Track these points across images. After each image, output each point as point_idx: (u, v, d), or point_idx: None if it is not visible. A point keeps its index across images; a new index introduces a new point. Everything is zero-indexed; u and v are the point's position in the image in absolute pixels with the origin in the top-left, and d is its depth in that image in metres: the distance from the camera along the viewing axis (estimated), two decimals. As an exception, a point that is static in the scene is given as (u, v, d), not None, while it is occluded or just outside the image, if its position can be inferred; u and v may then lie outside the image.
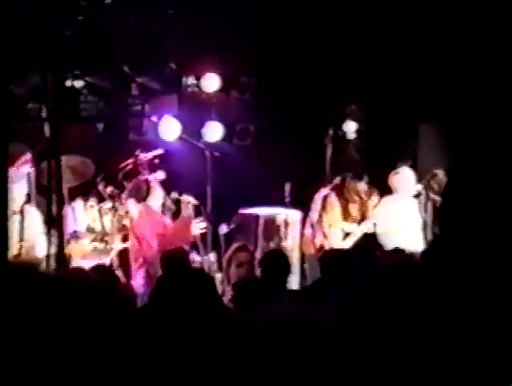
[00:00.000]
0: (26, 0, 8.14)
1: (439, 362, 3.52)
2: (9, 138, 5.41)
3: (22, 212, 7.95)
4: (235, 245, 8.30)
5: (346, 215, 9.44)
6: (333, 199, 9.45)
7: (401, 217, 9.44)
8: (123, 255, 8.99)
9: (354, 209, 9.48)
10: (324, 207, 9.38)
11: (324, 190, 9.53)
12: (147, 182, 9.02)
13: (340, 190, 9.46)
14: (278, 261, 6.70)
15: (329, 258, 6.15)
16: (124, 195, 9.25)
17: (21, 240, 7.77)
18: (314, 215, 9.43)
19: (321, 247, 9.29)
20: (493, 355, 3.50)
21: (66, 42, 8.15)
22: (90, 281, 3.76)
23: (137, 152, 9.52)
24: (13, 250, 7.21)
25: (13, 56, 8.60)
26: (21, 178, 8.05)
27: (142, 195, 8.90)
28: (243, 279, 7.18)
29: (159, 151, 9.62)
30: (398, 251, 6.58)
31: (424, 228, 9.51)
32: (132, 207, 9.18)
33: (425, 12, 9.44)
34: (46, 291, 3.43)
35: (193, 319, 3.56)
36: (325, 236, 9.35)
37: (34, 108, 9.16)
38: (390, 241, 9.00)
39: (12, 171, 7.11)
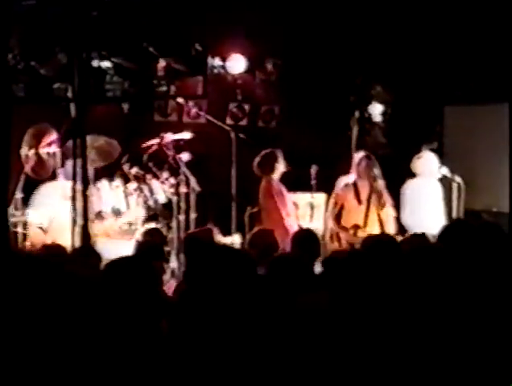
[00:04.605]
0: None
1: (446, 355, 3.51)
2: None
3: None
4: (258, 227, 8.30)
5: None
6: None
7: (425, 200, 9.40)
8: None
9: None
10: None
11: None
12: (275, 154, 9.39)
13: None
14: (309, 240, 6.71)
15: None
16: (148, 176, 9.30)
17: None
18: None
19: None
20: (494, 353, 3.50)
21: (92, 22, 8.17)
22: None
23: (162, 134, 9.56)
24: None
25: (40, 37, 8.67)
26: None
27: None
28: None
29: (187, 135, 9.67)
30: (418, 236, 6.52)
31: (449, 212, 9.48)
32: (157, 188, 9.25)
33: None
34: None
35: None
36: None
37: (60, 89, 9.19)
38: (414, 225, 8.97)
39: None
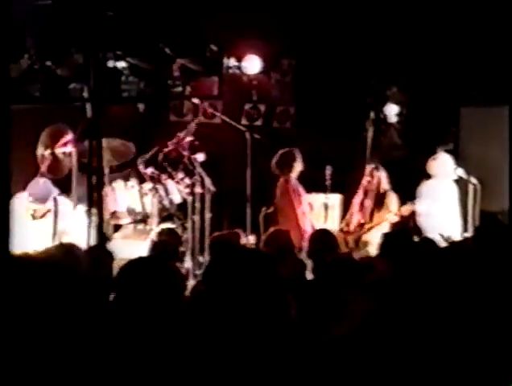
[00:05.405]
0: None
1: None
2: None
3: None
4: (274, 228, 8.30)
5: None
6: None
7: (440, 202, 9.38)
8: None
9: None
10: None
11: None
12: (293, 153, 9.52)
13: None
14: (325, 239, 6.77)
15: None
16: (164, 176, 9.31)
17: None
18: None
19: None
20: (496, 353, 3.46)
21: (108, 22, 8.17)
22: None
23: (178, 134, 9.57)
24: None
25: (56, 37, 8.70)
26: None
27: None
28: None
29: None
30: (429, 240, 6.51)
31: (464, 214, 9.45)
32: (172, 188, 9.26)
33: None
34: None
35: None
36: None
37: (76, 89, 9.21)
38: (429, 226, 8.96)
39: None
